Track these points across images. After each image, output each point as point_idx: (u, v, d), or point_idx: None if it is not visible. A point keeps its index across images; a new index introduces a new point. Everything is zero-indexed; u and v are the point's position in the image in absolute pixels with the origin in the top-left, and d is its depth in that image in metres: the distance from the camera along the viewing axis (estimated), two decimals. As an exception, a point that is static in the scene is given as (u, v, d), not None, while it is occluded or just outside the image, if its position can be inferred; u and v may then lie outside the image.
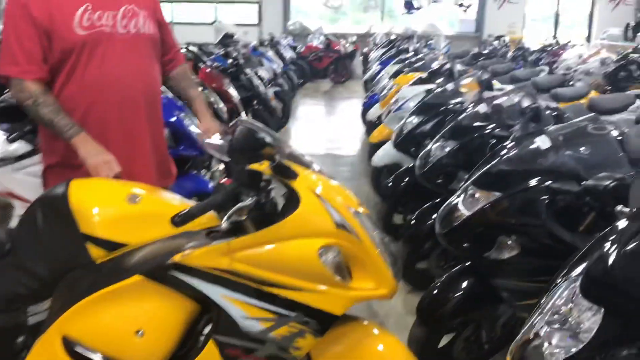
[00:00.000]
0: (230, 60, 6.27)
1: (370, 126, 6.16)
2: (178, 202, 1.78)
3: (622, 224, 1.30)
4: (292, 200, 1.58)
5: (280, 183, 1.60)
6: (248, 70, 6.35)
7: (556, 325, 1.23)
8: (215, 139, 1.69)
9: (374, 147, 5.07)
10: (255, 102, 6.41)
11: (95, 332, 1.56)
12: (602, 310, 1.17)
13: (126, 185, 1.79)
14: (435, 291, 2.25)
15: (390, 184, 3.77)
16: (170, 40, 2.35)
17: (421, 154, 3.12)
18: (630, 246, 1.21)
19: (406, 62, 6.49)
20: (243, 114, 5.96)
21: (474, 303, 2.20)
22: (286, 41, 13.23)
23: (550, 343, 1.20)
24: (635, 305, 1.18)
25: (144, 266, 1.55)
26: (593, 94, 5.27)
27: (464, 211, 2.09)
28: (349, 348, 1.65)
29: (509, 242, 1.97)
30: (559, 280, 1.39)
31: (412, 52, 7.15)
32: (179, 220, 1.45)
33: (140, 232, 1.64)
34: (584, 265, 1.28)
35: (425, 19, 15.92)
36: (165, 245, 1.60)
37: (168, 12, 15.73)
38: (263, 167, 1.57)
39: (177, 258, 1.52)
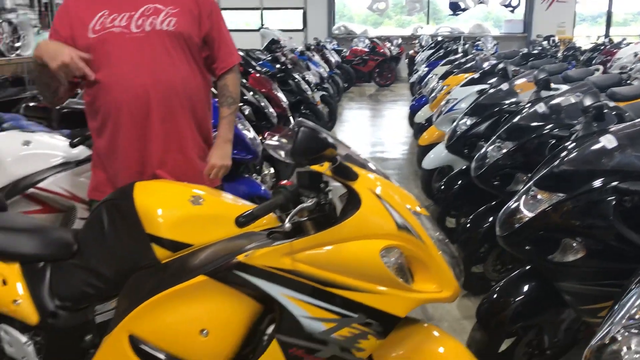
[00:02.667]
0: (278, 66, 6.32)
1: (419, 129, 6.11)
2: (238, 204, 1.80)
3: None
4: (353, 202, 1.57)
5: (341, 184, 1.60)
6: (296, 75, 6.39)
7: (634, 330, 1.18)
8: (275, 140, 1.70)
9: (423, 150, 5.02)
10: (302, 106, 6.44)
11: (160, 331, 1.59)
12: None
13: (188, 187, 1.82)
14: (495, 295, 2.20)
15: (443, 187, 3.72)
16: (217, 42, 2.22)
17: (477, 155, 3.06)
18: None
19: (455, 63, 6.41)
20: (291, 119, 6.01)
21: (535, 307, 2.14)
22: (331, 45, 13.27)
23: (629, 348, 1.15)
24: None
25: (208, 266, 1.57)
26: (652, 92, 5.09)
27: (526, 213, 2.04)
28: (410, 350, 1.62)
29: (574, 245, 1.91)
30: (633, 286, 1.34)
31: (462, 53, 7.05)
32: (243, 220, 1.46)
33: (204, 233, 1.66)
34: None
35: (472, 20, 15.77)
36: (228, 246, 1.62)
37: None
38: (323, 168, 1.57)
39: (240, 258, 1.53)
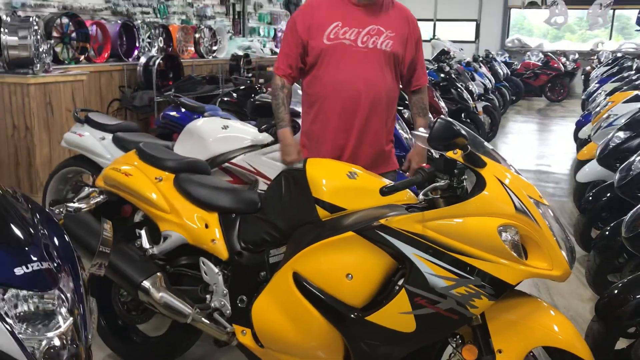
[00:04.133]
0: (442, 75, 6.63)
1: (581, 144, 6.05)
2: (385, 182, 2.21)
3: None
4: (479, 185, 1.89)
5: (470, 170, 1.93)
6: (459, 85, 6.64)
7: None
8: (423, 131, 2.07)
9: (581, 164, 5.02)
10: (463, 114, 6.67)
11: (317, 271, 2.05)
12: None
13: (347, 165, 2.28)
14: (617, 291, 2.33)
15: (591, 197, 3.80)
16: (419, 64, 2.73)
17: (621, 166, 3.15)
18: None
19: (626, 79, 6.23)
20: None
21: (656, 308, 2.25)
22: (502, 58, 13.16)
23: None
24: None
25: (356, 225, 2.00)
26: None
27: (652, 217, 2.19)
28: (521, 317, 1.89)
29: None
30: None
31: (635, 70, 6.79)
32: (386, 190, 1.88)
33: (356, 201, 2.11)
34: None
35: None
36: (373, 212, 2.04)
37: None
38: (457, 155, 1.91)
39: (382, 221, 1.94)
